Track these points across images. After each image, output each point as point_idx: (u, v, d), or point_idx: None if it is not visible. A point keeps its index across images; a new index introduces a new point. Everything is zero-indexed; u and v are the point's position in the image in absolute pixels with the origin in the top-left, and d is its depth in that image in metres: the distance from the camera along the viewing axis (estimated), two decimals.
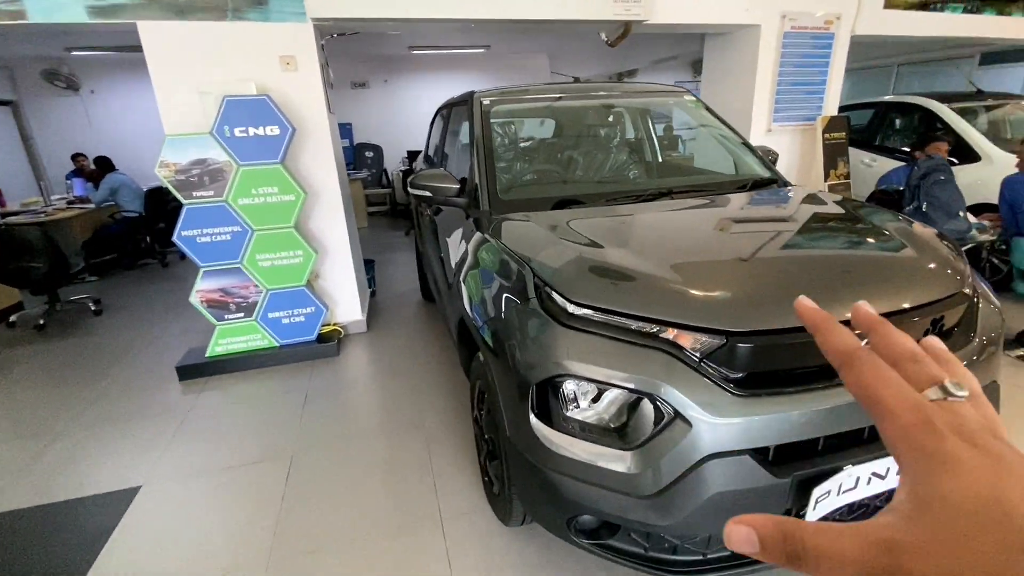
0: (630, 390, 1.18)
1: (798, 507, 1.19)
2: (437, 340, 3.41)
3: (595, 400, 1.24)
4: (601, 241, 1.53)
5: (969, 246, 3.29)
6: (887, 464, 1.22)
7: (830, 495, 1.19)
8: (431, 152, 3.62)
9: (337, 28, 3.23)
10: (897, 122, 4.91)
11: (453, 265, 2.08)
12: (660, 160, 2.84)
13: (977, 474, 0.23)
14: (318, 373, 3.05)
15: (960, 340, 1.35)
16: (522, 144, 2.64)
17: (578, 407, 1.25)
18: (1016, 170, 2.80)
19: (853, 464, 1.19)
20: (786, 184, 2.18)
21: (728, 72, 4.19)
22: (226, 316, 3.07)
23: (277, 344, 3.19)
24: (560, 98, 2.60)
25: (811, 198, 1.96)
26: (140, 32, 2.74)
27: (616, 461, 1.18)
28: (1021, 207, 2.69)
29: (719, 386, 1.15)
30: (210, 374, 3.05)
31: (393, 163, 8.66)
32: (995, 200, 3.46)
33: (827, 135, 4.11)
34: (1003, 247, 2.92)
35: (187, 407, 2.73)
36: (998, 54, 6.04)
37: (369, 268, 4.20)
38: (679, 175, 2.67)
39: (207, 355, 3.08)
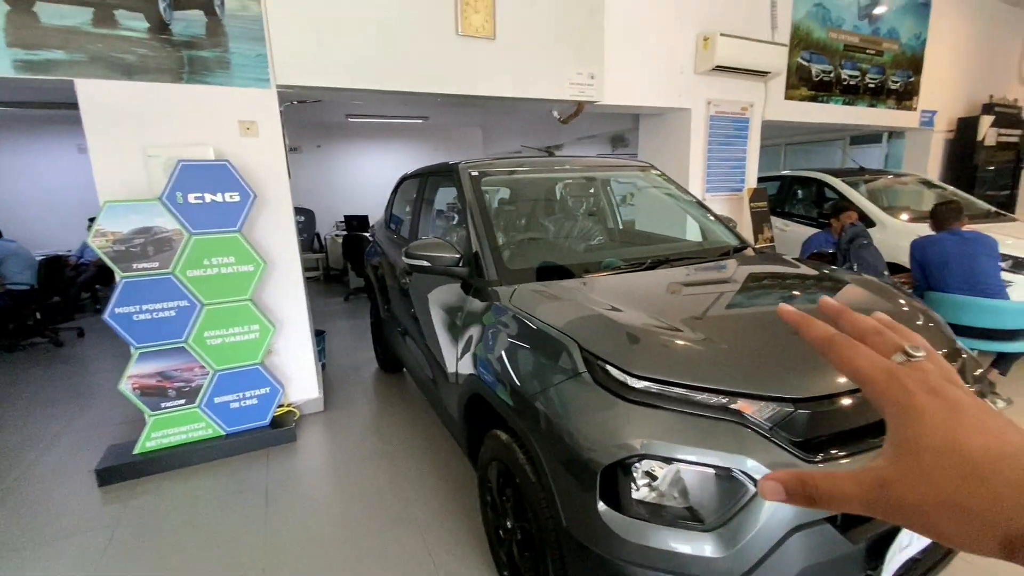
0: (709, 465, 1.15)
1: (871, 568, 1.20)
2: (406, 416, 3.18)
3: (666, 479, 1.19)
4: (635, 310, 1.54)
5: None
6: None
7: (896, 555, 1.22)
8: (393, 221, 3.54)
9: (300, 96, 3.16)
10: (799, 193, 5.65)
11: (455, 340, 1.98)
12: (628, 232, 2.99)
13: (938, 420, 0.29)
14: (276, 463, 2.69)
15: None
16: (516, 214, 2.66)
17: (650, 489, 1.19)
18: (934, 231, 3.25)
19: None
20: (759, 251, 2.37)
21: (664, 146, 4.62)
22: (163, 404, 2.66)
23: (224, 433, 2.79)
24: (543, 170, 2.69)
25: (798, 265, 2.14)
26: (77, 90, 2.48)
27: (702, 544, 1.12)
28: (931, 265, 3.13)
29: (792, 453, 1.15)
30: (140, 475, 2.58)
31: (326, 227, 8.39)
32: (893, 259, 4.03)
33: (752, 204, 4.61)
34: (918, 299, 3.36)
35: (113, 521, 2.26)
36: (863, 136, 7.26)
37: (320, 339, 3.90)
38: (648, 241, 2.82)
39: (136, 452, 2.62)
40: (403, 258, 2.06)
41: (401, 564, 1.94)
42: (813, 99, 5.06)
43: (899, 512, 0.30)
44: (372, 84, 2.95)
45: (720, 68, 4.16)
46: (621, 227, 3.16)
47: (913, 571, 1.37)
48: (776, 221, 5.45)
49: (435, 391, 2.34)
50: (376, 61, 2.96)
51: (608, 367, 1.29)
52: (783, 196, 5.70)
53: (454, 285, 2.12)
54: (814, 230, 4.57)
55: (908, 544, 1.25)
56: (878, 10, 5.29)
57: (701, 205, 2.71)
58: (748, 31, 4.32)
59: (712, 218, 2.63)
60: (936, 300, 3.12)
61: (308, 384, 3.24)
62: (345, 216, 7.29)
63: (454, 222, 2.79)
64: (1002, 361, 3.17)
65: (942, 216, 3.21)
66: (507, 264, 1.95)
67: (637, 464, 1.19)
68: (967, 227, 3.21)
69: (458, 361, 1.93)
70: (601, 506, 1.20)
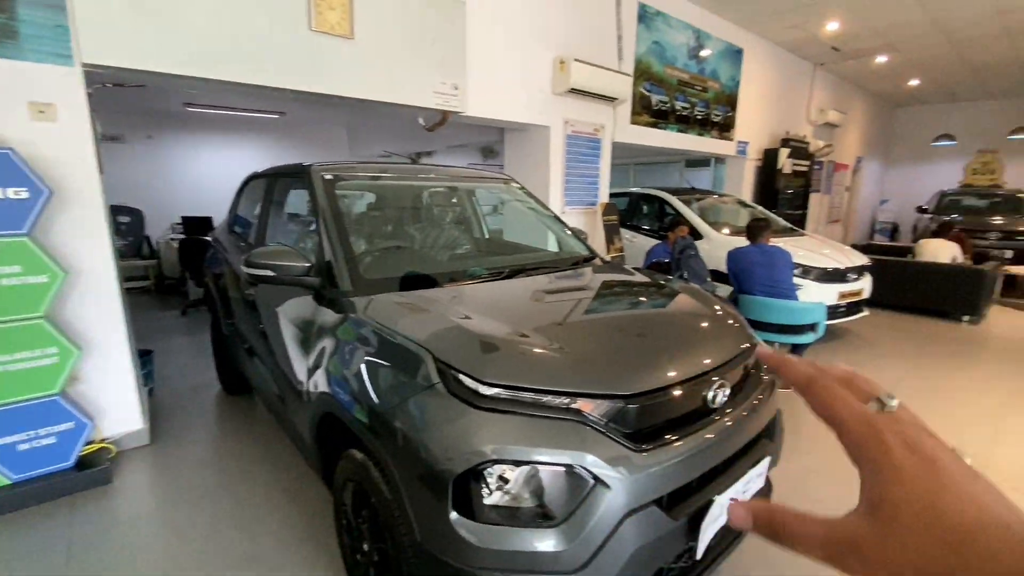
0: (553, 464, 1.21)
1: (692, 542, 1.37)
2: (253, 442, 2.88)
3: (514, 482, 1.23)
4: (489, 319, 1.58)
5: None
6: (737, 489, 1.50)
7: (710, 526, 1.40)
8: (238, 224, 3.20)
9: (115, 78, 2.70)
10: (644, 208, 6.32)
11: (304, 355, 1.84)
12: (497, 239, 3.07)
13: (917, 481, 0.28)
14: (83, 513, 2.25)
15: (755, 377, 1.77)
16: (370, 222, 2.56)
17: (500, 493, 1.22)
18: (725, 244, 3.86)
19: (719, 494, 1.42)
20: (605, 260, 2.59)
21: (527, 160, 4.84)
22: None
23: (9, 481, 2.26)
24: (401, 177, 2.64)
25: (636, 274, 2.37)
26: None
27: (549, 540, 1.18)
28: (741, 273, 3.71)
29: (625, 446, 1.27)
30: None
31: (159, 230, 7.30)
32: (716, 267, 4.69)
33: (605, 217, 5.03)
34: (733, 301, 3.96)
35: None
36: (695, 161, 8.39)
37: (146, 361, 3.37)
38: (517, 253, 2.92)
39: None
40: (243, 268, 1.86)
41: None
42: (654, 125, 5.72)
43: (864, 563, 0.29)
44: (205, 72, 2.64)
45: (575, 91, 4.49)
46: (487, 237, 3.23)
47: (725, 539, 1.59)
48: (625, 233, 6.03)
49: (285, 412, 2.15)
50: (211, 46, 2.66)
51: (460, 376, 1.30)
52: (631, 211, 6.33)
53: (305, 297, 1.98)
54: (656, 241, 5.14)
55: (719, 515, 1.45)
56: (703, 53, 6.17)
57: (556, 218, 2.88)
58: (599, 59, 4.73)
59: (566, 230, 2.81)
60: (746, 302, 3.70)
61: (128, 414, 2.76)
62: (183, 217, 6.42)
63: (311, 228, 2.61)
64: (797, 351, 3.86)
65: (754, 231, 3.82)
66: (363, 274, 1.87)
67: (488, 470, 1.21)
68: (770, 241, 3.87)
69: (309, 378, 1.80)
70: (454, 515, 1.20)
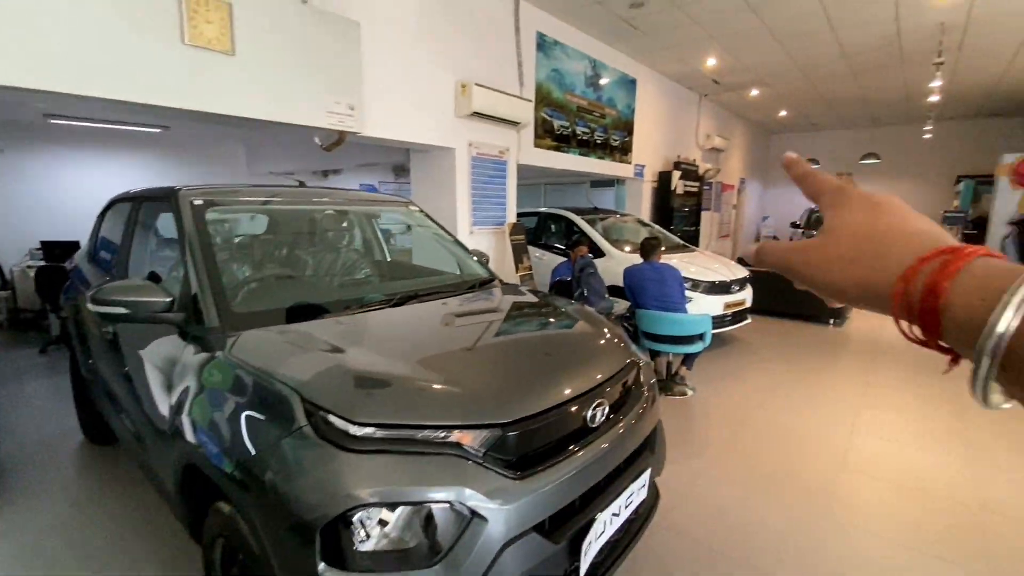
0: (428, 503, 1.18)
1: (574, 563, 1.39)
2: (127, 498, 2.55)
3: (390, 524, 1.18)
4: (366, 351, 1.53)
5: (612, 318, 4.55)
6: (620, 504, 1.56)
7: (592, 544, 1.43)
8: (100, 252, 2.87)
9: None
10: (552, 227, 6.54)
11: (168, 399, 1.67)
12: (394, 264, 3.00)
13: (859, 211, 0.38)
14: None
15: (636, 393, 1.86)
16: (246, 249, 2.39)
17: (372, 538, 1.17)
18: (624, 261, 4.10)
19: (600, 511, 1.47)
20: (502, 282, 2.62)
21: (433, 182, 4.83)
22: None
23: None
24: (287, 202, 2.51)
25: (526, 295, 2.42)
26: None
27: None
28: (635, 289, 3.93)
29: (502, 475, 1.27)
30: None
31: (13, 256, 6.36)
32: (616, 283, 4.94)
33: (512, 237, 5.13)
34: (630, 315, 4.18)
35: None
36: (600, 181, 8.84)
37: None
38: (407, 277, 2.87)
39: None
40: (89, 304, 1.66)
41: None
42: (557, 148, 5.95)
43: (806, 266, 0.39)
44: (65, 87, 2.36)
45: (478, 114, 4.57)
46: (388, 260, 3.15)
47: (611, 556, 1.64)
48: (535, 251, 6.19)
49: (149, 462, 1.93)
50: (71, 59, 2.38)
51: (330, 417, 1.24)
52: (540, 230, 6.52)
53: (170, 334, 1.80)
54: (563, 259, 5.32)
55: (602, 532, 1.49)
56: (601, 81, 6.55)
57: (456, 241, 2.88)
58: (501, 84, 4.86)
59: (468, 253, 2.82)
60: (641, 315, 3.92)
61: None
62: (42, 242, 5.65)
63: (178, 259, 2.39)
64: (688, 360, 4.14)
65: (647, 250, 4.07)
66: (234, 308, 1.74)
67: (359, 515, 1.15)
68: (661, 259, 4.14)
69: (171, 425, 1.63)
70: (322, 567, 1.13)
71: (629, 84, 7.15)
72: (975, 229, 9.89)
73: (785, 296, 6.75)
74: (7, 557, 2.13)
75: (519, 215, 6.01)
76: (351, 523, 1.15)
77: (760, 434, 3.33)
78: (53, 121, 6.13)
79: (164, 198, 2.17)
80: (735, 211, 11.95)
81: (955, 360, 0.34)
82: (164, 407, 1.70)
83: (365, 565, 1.15)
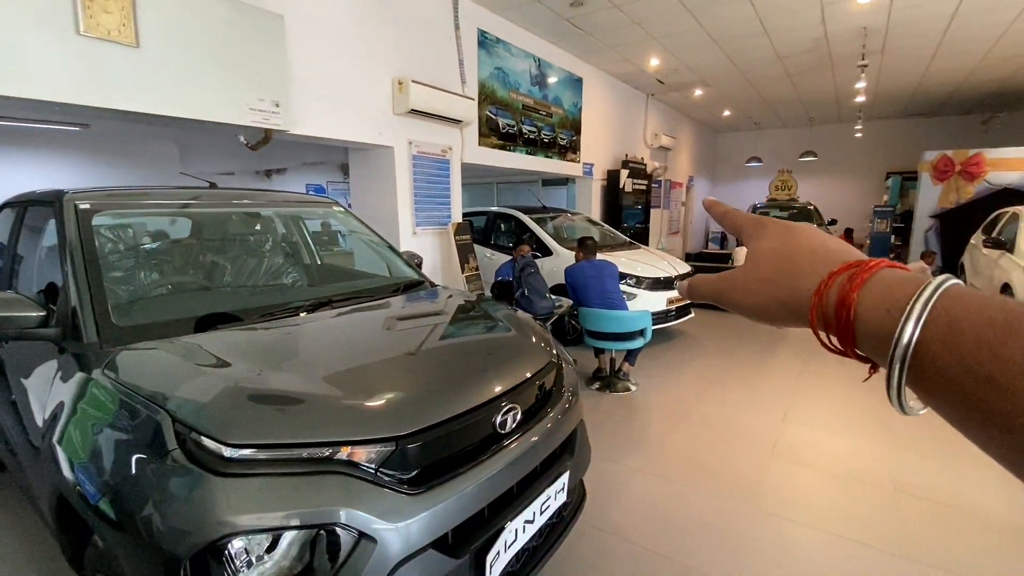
0: (310, 526, 1.10)
1: (479, 574, 1.34)
2: (20, 534, 2.34)
3: (270, 550, 1.10)
4: (255, 364, 1.43)
5: (555, 317, 4.56)
6: (534, 510, 1.52)
7: (500, 555, 1.39)
8: None
9: None
10: (502, 226, 6.50)
11: (40, 422, 1.52)
12: (317, 267, 2.88)
13: (776, 236, 0.41)
14: None
15: (556, 394, 1.83)
16: (149, 256, 2.23)
17: (250, 566, 1.08)
18: (576, 260, 4.11)
19: (511, 520, 1.42)
20: (432, 285, 2.55)
21: (373, 181, 4.69)
22: None
23: None
24: (192, 205, 2.35)
25: (450, 297, 2.36)
26: None
27: None
28: (578, 287, 3.93)
29: (397, 491, 1.20)
30: None
31: None
32: (561, 282, 4.95)
33: (457, 237, 5.05)
34: (575, 313, 4.19)
35: None
36: (551, 180, 8.87)
37: None
38: (336, 280, 2.76)
39: None
40: None
41: None
42: (503, 147, 5.91)
43: (732, 292, 0.42)
44: None
45: (417, 112, 4.47)
46: (319, 264, 3.02)
47: (529, 563, 1.60)
48: (484, 250, 6.14)
49: (29, 491, 1.76)
50: None
51: (202, 439, 1.14)
52: (489, 229, 6.47)
53: (49, 352, 1.64)
54: (508, 258, 5.28)
55: (513, 541, 1.45)
56: (547, 80, 6.55)
57: (385, 242, 2.79)
58: (441, 82, 4.78)
59: (396, 255, 2.73)
60: (584, 313, 3.93)
61: None
62: None
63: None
64: (631, 355, 4.17)
65: (585, 249, 4.08)
66: (116, 320, 1.60)
67: (234, 543, 1.06)
68: (600, 256, 4.16)
69: (43, 452, 1.48)
70: None
71: (575, 83, 7.19)
72: (903, 223, 10.53)
73: None
74: None
75: (468, 215, 5.94)
76: (223, 553, 1.05)
77: (697, 427, 3.39)
78: None
79: (49, 202, 1.99)
80: (684, 208, 12.27)
81: (874, 368, 0.36)
82: (36, 431, 1.55)
83: None
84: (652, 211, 9.45)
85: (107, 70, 2.65)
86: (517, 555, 1.53)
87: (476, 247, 5.52)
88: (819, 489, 2.67)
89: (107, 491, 1.19)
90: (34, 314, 1.55)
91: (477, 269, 5.26)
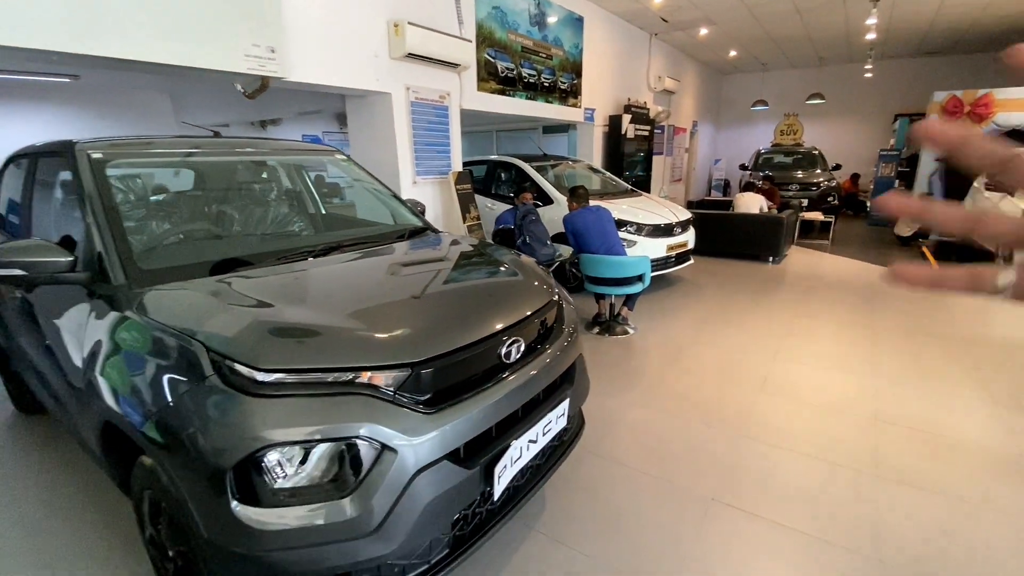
0: (337, 439, 1.24)
1: (488, 486, 1.50)
2: (60, 463, 2.53)
3: (303, 462, 1.24)
4: (277, 301, 1.53)
5: (557, 264, 4.64)
6: (537, 431, 1.67)
7: (506, 468, 1.54)
8: (7, 215, 2.68)
9: None
10: (502, 175, 6.46)
11: (81, 359, 1.64)
12: (322, 216, 2.94)
13: None
14: None
15: (557, 330, 1.95)
16: (160, 204, 2.29)
17: (286, 476, 1.22)
18: (568, 210, 4.16)
19: (516, 438, 1.57)
20: (435, 231, 2.62)
21: (372, 129, 4.65)
22: None
23: None
24: (198, 153, 2.39)
25: (454, 242, 2.44)
26: None
27: (338, 511, 1.21)
28: (581, 233, 4.00)
29: (414, 411, 1.34)
30: None
31: None
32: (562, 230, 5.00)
33: (458, 186, 5.06)
34: (575, 261, 4.28)
35: None
36: (552, 127, 8.71)
37: None
38: (341, 228, 2.82)
39: None
40: None
41: None
42: (502, 92, 5.80)
43: None
44: None
45: (413, 55, 4.37)
46: (322, 213, 3.08)
47: (532, 479, 1.77)
48: (485, 200, 6.14)
49: (72, 424, 1.92)
50: None
51: (236, 365, 1.26)
52: (490, 178, 6.44)
53: (79, 294, 1.74)
54: (510, 207, 5.31)
55: (519, 457, 1.61)
56: (547, 19, 6.33)
57: (389, 190, 2.84)
58: (437, 23, 4.64)
59: (400, 203, 2.79)
60: (585, 260, 4.01)
61: None
62: None
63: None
64: (629, 300, 4.30)
65: (579, 197, 4.12)
66: (141, 264, 1.69)
67: (270, 455, 1.20)
68: (600, 203, 4.20)
69: (85, 385, 1.61)
70: (235, 505, 1.18)
71: (576, 23, 6.94)
72: (908, 167, 10.39)
73: (728, 237, 7.01)
74: None
75: (468, 164, 5.91)
76: (262, 463, 1.19)
77: (692, 366, 3.55)
78: None
79: (61, 153, 2.04)
80: (687, 155, 12.07)
81: None
82: (78, 368, 1.68)
83: (279, 500, 1.21)
84: (655, 158, 9.34)
85: (98, 16, 2.61)
86: (522, 471, 1.70)
87: (477, 197, 5.53)
88: (802, 419, 2.85)
89: (152, 416, 1.32)
90: (63, 259, 1.64)
91: (478, 219, 5.29)
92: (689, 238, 5.59)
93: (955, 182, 8.44)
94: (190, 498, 1.24)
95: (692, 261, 5.74)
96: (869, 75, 11.12)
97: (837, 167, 10.94)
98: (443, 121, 5.01)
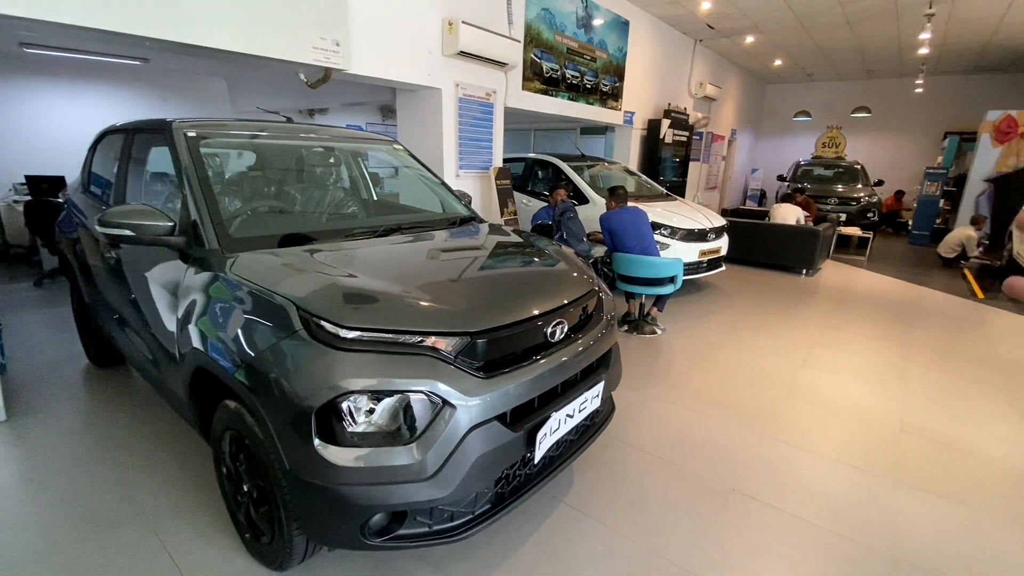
0: (405, 392, 1.41)
1: (529, 450, 1.65)
2: (135, 409, 2.80)
3: (373, 410, 1.42)
4: (355, 271, 1.71)
5: (591, 260, 4.76)
6: (574, 407, 1.82)
7: (546, 436, 1.69)
8: (95, 184, 2.97)
9: None
10: (539, 173, 6.61)
11: (174, 314, 1.86)
12: (374, 201, 3.14)
13: None
14: None
15: (596, 317, 2.08)
16: (242, 180, 2.51)
17: (360, 420, 1.40)
18: (606, 209, 4.28)
19: (555, 411, 1.72)
20: (482, 221, 2.78)
21: (420, 123, 4.86)
22: None
23: None
24: (275, 136, 2.61)
25: (502, 231, 2.60)
26: None
27: (402, 455, 1.39)
28: (617, 232, 4.11)
29: (470, 374, 1.50)
30: None
31: None
32: (597, 228, 5.11)
33: (498, 181, 5.23)
34: (608, 260, 4.39)
35: None
36: (590, 128, 8.81)
37: None
38: (391, 214, 3.01)
39: None
40: (97, 227, 1.81)
41: (128, 568, 1.79)
42: (545, 92, 5.94)
43: None
44: (29, 11, 2.37)
45: (464, 53, 4.55)
46: (374, 198, 3.28)
47: (568, 450, 1.92)
48: (521, 197, 6.30)
49: (158, 373, 2.15)
50: None
51: (322, 322, 1.44)
52: (527, 176, 6.59)
53: (171, 256, 1.97)
54: (545, 204, 5.45)
55: (557, 428, 1.75)
56: (593, 22, 6.43)
57: (441, 181, 3.02)
58: (488, 23, 4.81)
59: (450, 193, 2.96)
60: (618, 259, 4.13)
61: None
62: (27, 177, 5.63)
63: (176, 187, 2.52)
64: (660, 301, 4.39)
65: (619, 197, 4.23)
66: (231, 232, 1.90)
67: (348, 402, 1.38)
68: (631, 204, 4.30)
69: (179, 336, 1.83)
70: (317, 442, 1.37)
71: (622, 26, 7.02)
72: (955, 186, 10.10)
73: (761, 246, 6.99)
74: (35, 457, 2.37)
75: (506, 160, 6.07)
76: (340, 408, 1.37)
77: (717, 368, 3.64)
78: (29, 51, 5.94)
79: (158, 130, 2.27)
80: (724, 162, 11.98)
81: None
82: (171, 322, 1.90)
83: (353, 442, 1.39)
84: (691, 164, 9.33)
85: (184, 5, 2.85)
86: (558, 442, 1.85)
87: (515, 194, 5.69)
88: (826, 424, 2.91)
89: (244, 363, 1.52)
90: (165, 223, 1.86)
91: (515, 213, 5.45)
92: (722, 244, 5.63)
93: (1004, 204, 8.20)
94: (277, 435, 1.43)
95: (724, 268, 5.78)
96: (919, 90, 10.84)
97: (879, 183, 10.71)
98: (488, 118, 5.18)
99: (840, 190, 10.33)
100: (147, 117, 2.67)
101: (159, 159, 2.52)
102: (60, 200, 4.10)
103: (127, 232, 1.82)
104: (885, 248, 9.41)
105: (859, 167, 10.81)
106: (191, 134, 2.15)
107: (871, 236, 8.50)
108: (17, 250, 6.14)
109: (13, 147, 6.64)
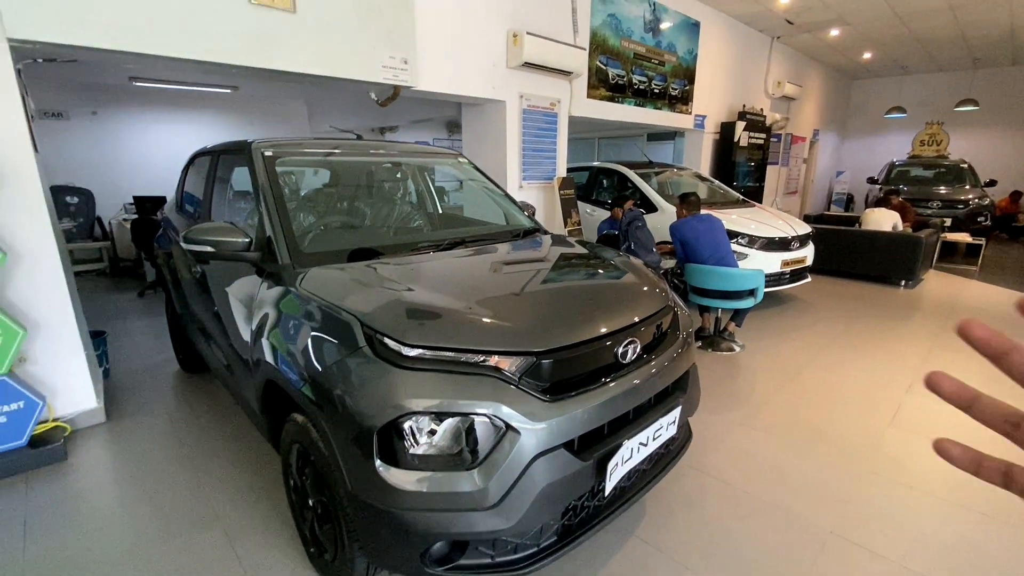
0: (468, 414, 1.34)
1: (599, 481, 1.52)
2: (211, 416, 2.95)
3: (435, 432, 1.36)
4: (418, 287, 1.68)
5: (661, 272, 4.53)
6: (647, 435, 1.67)
7: (618, 466, 1.56)
8: (187, 203, 3.19)
9: (44, 52, 2.63)
10: (604, 182, 6.44)
11: (249, 326, 1.92)
12: (444, 213, 3.14)
13: None
14: (38, 488, 2.30)
15: (672, 336, 1.93)
16: (314, 197, 2.60)
17: (421, 442, 1.34)
18: (676, 218, 4.05)
19: (628, 439, 1.58)
20: (545, 232, 2.70)
21: (484, 135, 4.88)
22: None
23: None
24: (346, 153, 2.67)
25: (567, 243, 2.49)
26: None
27: (464, 481, 1.31)
28: (689, 243, 3.88)
29: (535, 397, 1.40)
30: None
31: (111, 210, 7.08)
32: (667, 238, 4.87)
33: (562, 192, 5.13)
34: (679, 271, 4.15)
35: None
36: (657, 134, 8.52)
37: (99, 342, 3.36)
38: (456, 226, 3.00)
39: None
40: (182, 243, 1.91)
41: (205, 566, 1.85)
42: (611, 99, 5.79)
43: None
44: (139, 47, 2.60)
45: (529, 64, 4.52)
46: (440, 212, 3.30)
47: (641, 480, 1.77)
48: (585, 206, 6.16)
49: (234, 383, 2.24)
50: (144, 19, 2.61)
51: (385, 340, 1.41)
52: (591, 185, 6.44)
53: (248, 270, 2.04)
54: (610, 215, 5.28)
55: (629, 458, 1.61)
56: (661, 25, 6.22)
57: (504, 193, 2.97)
58: (553, 33, 4.76)
59: (513, 205, 2.91)
60: (691, 270, 3.89)
61: (82, 394, 2.79)
62: (135, 197, 6.25)
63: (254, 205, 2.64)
64: (738, 316, 4.09)
65: (690, 204, 4.00)
66: (303, 248, 1.94)
67: (410, 422, 1.33)
68: (705, 211, 4.04)
69: (252, 348, 1.88)
70: (378, 464, 1.32)
71: (692, 28, 6.74)
72: None
73: (852, 255, 6.39)
74: (128, 459, 2.55)
75: (570, 170, 5.97)
76: (403, 428, 1.32)
77: (805, 390, 3.30)
78: (137, 84, 6.63)
79: (238, 151, 2.39)
80: (805, 165, 11.18)
81: None
82: (247, 334, 1.96)
83: (414, 464, 1.33)
84: (768, 168, 8.77)
85: (271, 34, 3.02)
86: (630, 473, 1.70)
87: (579, 203, 5.57)
88: (937, 458, 2.53)
89: (309, 377, 1.52)
90: (242, 239, 1.93)
91: (579, 223, 5.33)
92: (808, 254, 5.19)
93: None
94: (340, 454, 1.41)
95: (809, 279, 5.31)
96: None
97: (991, 183, 9.53)
98: (552, 128, 5.11)
99: (943, 192, 9.28)
100: (238, 139, 2.84)
101: (241, 178, 2.66)
102: (158, 218, 4.48)
103: (208, 248, 1.90)
104: (1001, 256, 8.32)
105: (965, 166, 9.68)
106: (268, 153, 2.23)
107: (983, 243, 7.54)
108: (125, 263, 6.81)
109: (125, 171, 7.41)
